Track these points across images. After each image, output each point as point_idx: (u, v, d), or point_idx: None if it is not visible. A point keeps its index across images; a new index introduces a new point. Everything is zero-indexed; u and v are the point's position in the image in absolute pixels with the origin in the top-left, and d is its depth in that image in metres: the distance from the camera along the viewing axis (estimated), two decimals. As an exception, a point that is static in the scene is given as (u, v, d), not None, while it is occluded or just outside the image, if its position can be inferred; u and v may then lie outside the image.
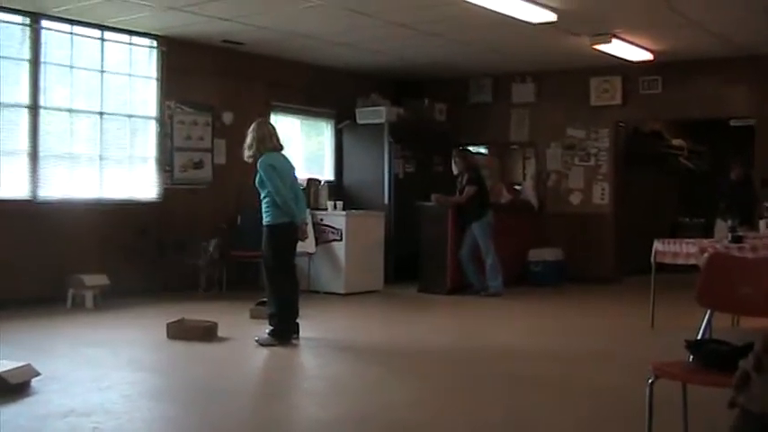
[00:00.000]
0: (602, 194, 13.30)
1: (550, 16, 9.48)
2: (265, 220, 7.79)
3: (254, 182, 7.85)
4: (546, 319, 10.05)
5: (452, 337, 8.66)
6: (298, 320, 7.98)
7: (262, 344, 7.66)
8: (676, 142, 16.22)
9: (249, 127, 8.05)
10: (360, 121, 13.37)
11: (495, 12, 9.29)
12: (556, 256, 12.90)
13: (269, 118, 12.36)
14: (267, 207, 7.76)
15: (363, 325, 9.49)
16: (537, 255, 12.83)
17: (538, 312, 10.50)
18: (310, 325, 8.50)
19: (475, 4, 9.01)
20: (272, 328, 7.76)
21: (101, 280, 9.96)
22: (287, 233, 7.82)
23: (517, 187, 14.13)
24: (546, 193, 13.73)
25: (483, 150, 14.49)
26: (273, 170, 7.73)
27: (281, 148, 8.00)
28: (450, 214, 11.65)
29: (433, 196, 11.81)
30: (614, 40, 10.78)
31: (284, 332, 7.75)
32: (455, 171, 11.75)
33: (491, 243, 11.42)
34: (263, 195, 7.80)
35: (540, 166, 13.89)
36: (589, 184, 13.40)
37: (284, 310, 7.81)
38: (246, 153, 7.92)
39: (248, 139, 7.89)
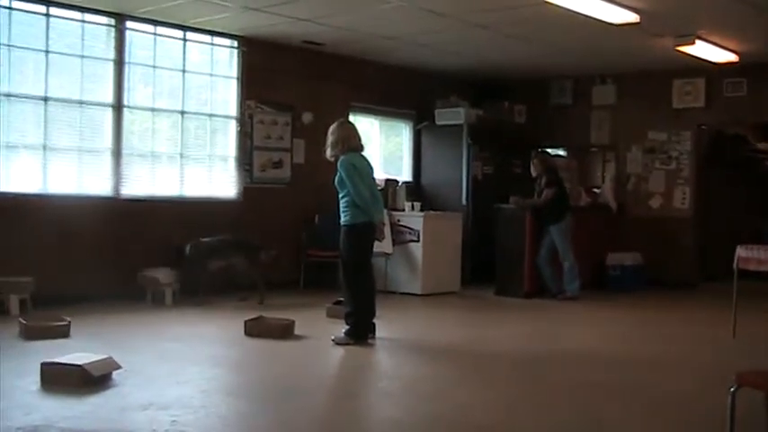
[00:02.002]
0: (683, 198, 13.09)
1: (633, 17, 9.34)
2: (344, 219, 7.81)
3: (334, 181, 7.88)
4: (623, 324, 9.88)
5: (528, 340, 8.56)
6: (374, 320, 7.99)
7: (338, 343, 7.69)
8: (762, 146, 15.86)
9: (329, 127, 8.08)
10: (439, 122, 13.35)
11: (577, 13, 9.19)
12: (635, 260, 12.71)
13: (348, 118, 12.47)
14: (346, 207, 7.78)
15: (439, 326, 9.47)
16: (615, 259, 12.66)
17: (615, 317, 10.34)
18: (386, 325, 8.50)
19: (556, 6, 8.92)
20: (348, 327, 7.79)
21: (179, 277, 10.10)
22: (365, 233, 7.84)
23: (596, 190, 13.96)
24: (625, 196, 13.55)
25: (562, 153, 14.35)
26: (354, 170, 7.76)
27: (362, 148, 8.04)
28: (529, 217, 11.57)
29: (512, 198, 11.74)
30: (698, 42, 10.57)
31: (361, 332, 7.77)
32: (534, 173, 11.66)
33: (569, 246, 11.31)
34: (341, 195, 7.82)
35: (619, 169, 13.71)
36: (670, 188, 13.19)
37: (361, 309, 7.83)
38: (329, 152, 7.96)
39: (331, 139, 7.92)
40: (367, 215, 7.76)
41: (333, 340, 7.74)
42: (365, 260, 8.00)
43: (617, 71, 13.30)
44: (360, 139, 8.05)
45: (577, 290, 11.27)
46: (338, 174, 7.80)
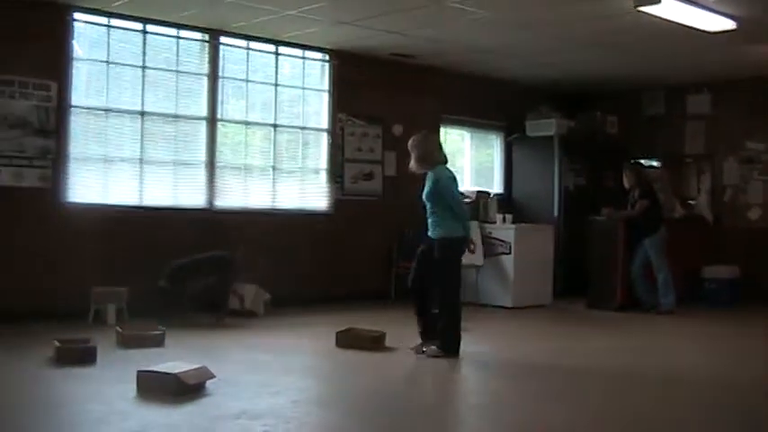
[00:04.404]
0: (782, 210, 12.74)
1: (730, 24, 9.16)
2: (439, 232, 7.71)
3: (424, 194, 7.81)
4: (720, 340, 9.59)
5: (620, 356, 8.34)
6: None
7: (430, 355, 7.66)
8: None
9: (412, 139, 7.99)
10: (530, 134, 13.27)
11: (672, 21, 9.05)
12: (732, 273, 12.37)
13: (439, 130, 12.50)
14: (440, 220, 7.70)
15: (529, 340, 9.36)
16: (711, 272, 12.36)
17: (712, 333, 10.07)
18: (477, 338, 8.45)
19: (650, 15, 8.80)
20: (441, 340, 7.73)
21: (270, 288, 10.19)
22: (461, 246, 7.79)
23: (691, 202, 13.68)
24: (722, 207, 13.25)
25: (655, 164, 14.11)
26: (454, 182, 7.79)
27: (447, 160, 7.99)
28: (622, 229, 11.40)
29: (604, 210, 11.59)
30: (799, 49, 10.32)
31: (454, 345, 7.71)
32: (626, 185, 11.49)
33: (664, 259, 11.10)
34: (433, 208, 7.75)
35: (715, 180, 13.41)
36: (769, 199, 12.86)
37: (455, 323, 7.76)
38: (416, 166, 7.88)
39: (418, 151, 7.82)
40: (464, 228, 7.74)
41: (424, 352, 7.72)
42: (459, 273, 7.94)
43: (712, 79, 13.01)
44: (444, 151, 8.02)
45: (672, 304, 11.04)
46: (430, 187, 7.74)
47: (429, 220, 7.81)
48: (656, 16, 8.85)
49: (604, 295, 11.45)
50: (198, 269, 9.47)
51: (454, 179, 7.82)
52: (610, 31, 9.95)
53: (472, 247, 7.97)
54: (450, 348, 7.68)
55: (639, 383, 6.96)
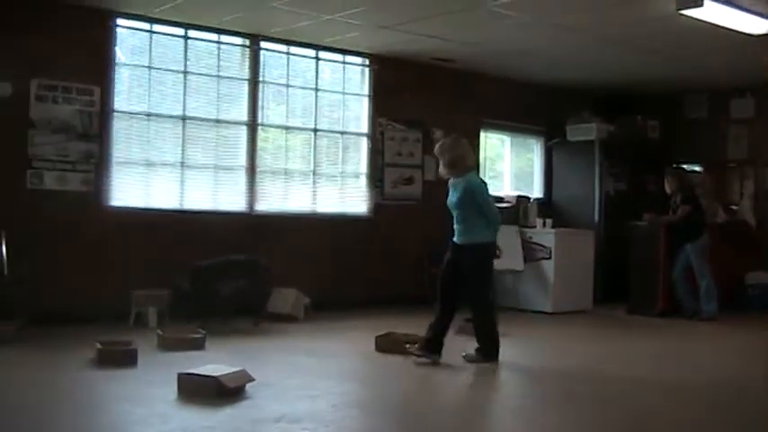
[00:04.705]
0: (828, 215, 12.57)
1: (773, 27, 9.07)
2: (471, 239, 7.61)
3: (452, 202, 7.73)
4: (764, 347, 9.49)
5: (662, 363, 8.24)
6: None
7: (469, 360, 7.64)
8: None
9: (440, 143, 7.95)
10: (570, 138, 13.21)
11: (714, 24, 8.96)
12: (776, 279, 12.26)
13: (479, 135, 12.48)
14: (472, 226, 7.61)
15: (570, 346, 9.30)
16: (755, 278, 12.22)
17: (756, 340, 9.96)
18: (517, 344, 8.42)
19: (692, 18, 8.72)
20: (479, 346, 7.69)
21: (310, 292, 10.22)
22: (492, 252, 7.73)
23: (733, 207, 13.53)
24: (765, 213, 13.09)
25: (697, 168, 13.98)
26: (486, 188, 7.74)
27: (476, 165, 7.89)
28: (663, 234, 11.30)
29: (646, 215, 11.50)
30: (843, 52, 10.18)
31: (493, 351, 7.67)
32: (668, 190, 11.39)
33: (706, 265, 10.98)
34: (464, 214, 7.66)
35: (759, 185, 13.25)
36: (814, 205, 12.69)
37: (491, 328, 7.73)
38: (446, 171, 7.79)
39: (448, 157, 7.72)
40: (494, 234, 7.68)
41: (464, 357, 7.69)
42: (491, 278, 7.90)
43: (756, 83, 12.86)
44: (473, 156, 7.93)
45: (715, 310, 10.92)
46: (461, 194, 7.64)
47: (458, 227, 7.72)
48: (698, 19, 8.76)
49: (646, 301, 11.36)
50: (225, 271, 9.35)
51: (485, 184, 7.80)
52: (652, 35, 9.87)
53: (498, 252, 7.84)
54: (489, 354, 7.64)
55: (681, 392, 6.90)
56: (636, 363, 8.15)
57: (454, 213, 7.75)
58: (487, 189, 7.79)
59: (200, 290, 9.11)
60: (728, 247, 11.91)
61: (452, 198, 7.75)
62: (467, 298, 7.72)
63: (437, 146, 7.93)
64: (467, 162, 7.77)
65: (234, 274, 9.36)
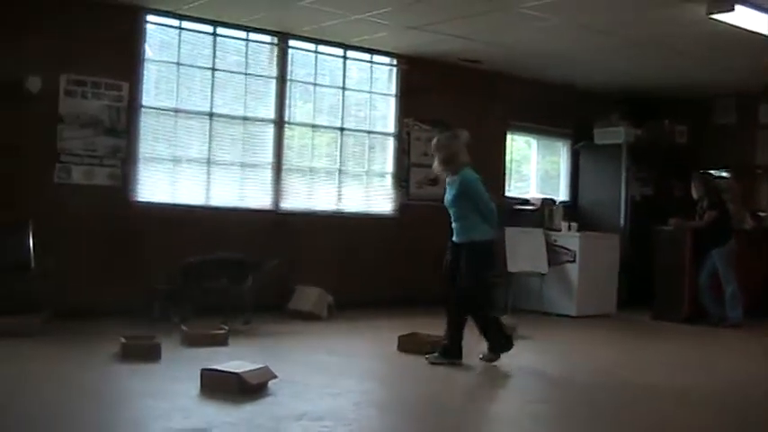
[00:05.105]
0: None
1: (804, 32, 8.99)
2: (467, 236, 7.49)
3: (448, 200, 7.63)
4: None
5: (685, 372, 8.09)
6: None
7: (487, 360, 7.60)
8: None
9: (435, 139, 7.86)
10: (597, 142, 13.16)
11: (744, 29, 8.89)
12: (803, 286, 12.15)
13: (505, 136, 12.45)
14: (469, 223, 7.48)
15: (592, 350, 9.24)
16: (782, 285, 12.14)
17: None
18: (539, 347, 8.40)
19: (721, 22, 8.66)
20: (489, 343, 7.62)
21: (334, 291, 10.23)
22: (491, 249, 7.64)
23: (761, 213, 13.42)
24: (794, 220, 12.99)
25: (725, 174, 13.88)
26: (481, 183, 7.56)
27: (470, 162, 7.70)
28: (689, 239, 11.23)
29: (672, 220, 11.42)
30: None
31: (502, 342, 7.59)
32: (695, 195, 11.31)
33: (732, 271, 10.90)
34: (460, 212, 7.53)
35: (787, 192, 13.16)
36: (843, 212, 12.56)
37: (492, 322, 7.64)
38: (440, 167, 7.67)
39: (444, 153, 7.60)
40: (492, 232, 7.55)
41: (481, 358, 7.65)
42: (488, 278, 7.82)
43: (785, 89, 12.78)
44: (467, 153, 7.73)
45: (740, 317, 10.82)
46: (456, 191, 7.52)
47: (455, 225, 7.60)
48: (728, 24, 8.70)
49: (670, 306, 11.29)
50: (215, 269, 9.17)
51: (480, 180, 7.59)
52: (681, 38, 9.82)
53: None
54: (501, 347, 7.58)
55: (700, 400, 6.81)
56: (657, 369, 8.06)
57: (451, 212, 7.64)
58: (483, 184, 7.59)
59: (189, 287, 9.01)
60: (755, 254, 11.84)
61: (448, 196, 7.64)
62: (456, 294, 7.58)
63: (432, 142, 7.84)
64: (461, 159, 7.58)
65: (223, 272, 9.22)
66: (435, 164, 7.72)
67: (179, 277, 9.06)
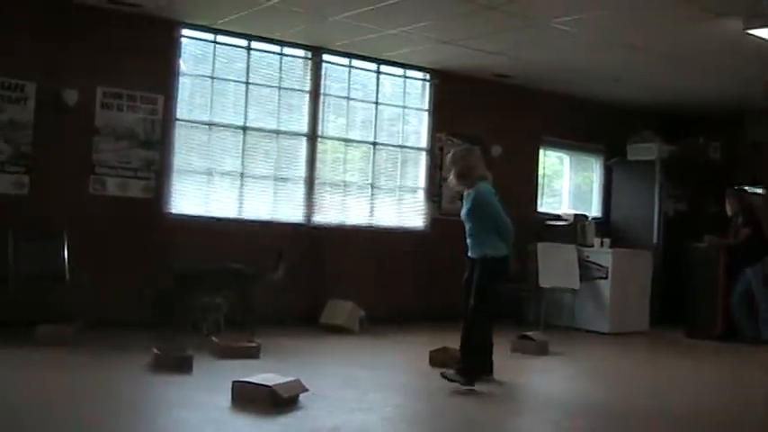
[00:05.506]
0: None
1: (842, 48, 8.91)
2: (481, 252, 7.32)
3: (463, 214, 7.49)
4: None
5: (722, 393, 7.99)
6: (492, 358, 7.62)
7: (446, 377, 7.13)
8: None
9: (451, 153, 7.73)
10: (630, 158, 13.10)
11: (780, 45, 8.85)
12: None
13: (537, 151, 12.42)
14: (484, 239, 7.32)
15: (627, 368, 9.17)
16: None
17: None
18: (573, 363, 8.34)
19: (757, 37, 8.61)
20: (463, 363, 7.22)
21: (366, 305, 10.23)
22: (504, 266, 7.37)
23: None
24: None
25: (759, 190, 13.77)
26: (495, 198, 7.39)
27: (488, 176, 7.57)
28: (723, 257, 11.15)
29: (706, 237, 11.34)
30: None
31: (472, 373, 7.15)
32: (729, 212, 11.24)
33: (766, 289, 10.80)
34: (475, 227, 7.39)
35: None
36: None
37: (480, 348, 7.34)
38: (455, 181, 7.50)
39: (459, 166, 7.42)
40: (507, 248, 7.33)
41: (442, 374, 7.20)
42: (499, 297, 7.60)
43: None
44: (485, 167, 7.60)
45: (775, 335, 10.74)
46: (471, 204, 7.39)
47: (470, 241, 7.45)
48: (764, 39, 8.64)
49: (704, 324, 11.20)
50: (209, 279, 9.00)
51: (495, 194, 7.42)
52: (716, 54, 9.75)
53: (514, 268, 7.56)
54: (467, 375, 7.15)
55: (741, 427, 6.72)
56: (694, 389, 7.97)
57: (466, 227, 7.51)
58: (498, 199, 7.43)
59: (181, 297, 8.83)
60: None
61: (463, 210, 7.52)
62: (467, 310, 7.39)
63: (449, 155, 7.72)
64: (477, 172, 7.42)
65: (218, 283, 9.05)
66: (451, 177, 7.57)
67: (172, 285, 8.84)
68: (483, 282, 7.27)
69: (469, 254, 7.49)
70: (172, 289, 8.81)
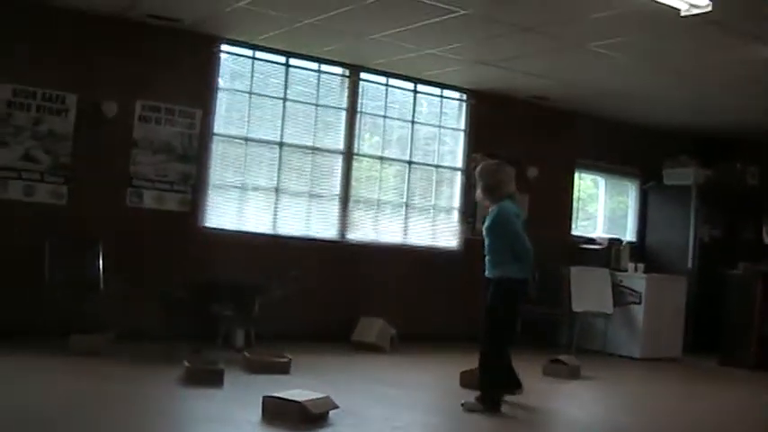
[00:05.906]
0: None
1: None
2: (497, 272, 7.09)
3: (486, 228, 7.23)
4: None
5: (755, 426, 7.80)
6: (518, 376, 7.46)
7: (468, 410, 6.99)
8: None
9: (481, 167, 7.49)
10: (666, 182, 13.02)
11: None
12: None
13: (573, 174, 12.37)
14: (500, 259, 7.11)
15: (660, 395, 9.06)
16: None
17: None
18: (606, 388, 8.28)
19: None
20: (481, 392, 7.12)
21: (397, 323, 10.22)
22: (520, 289, 7.11)
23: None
24: None
25: (798, 219, 13.65)
26: (518, 219, 7.18)
27: (516, 195, 7.43)
28: (760, 284, 11.03)
29: (741, 264, 11.24)
30: None
31: (493, 400, 7.03)
32: (766, 239, 11.13)
33: (803, 318, 10.70)
34: (492, 245, 7.16)
35: None
36: None
37: (497, 375, 7.14)
38: (483, 196, 7.29)
39: (487, 181, 7.24)
40: (525, 270, 7.08)
41: (462, 404, 7.07)
42: (513, 321, 7.35)
43: None
44: (514, 184, 7.41)
45: (811, 365, 10.61)
46: (491, 221, 7.17)
47: (487, 258, 7.22)
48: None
49: (738, 353, 11.08)
50: (221, 291, 9.03)
51: (518, 215, 7.23)
52: (753, 79, 9.67)
53: (532, 293, 7.37)
54: (486, 402, 7.03)
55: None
56: (731, 422, 7.81)
57: (485, 242, 7.26)
58: (520, 219, 7.21)
59: (194, 307, 8.84)
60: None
61: (484, 225, 7.31)
62: (482, 335, 7.22)
63: (478, 168, 7.48)
64: (505, 190, 7.21)
65: (228, 295, 9.04)
66: (478, 191, 7.37)
67: (187, 295, 8.88)
68: (495, 303, 7.09)
69: (486, 273, 7.25)
70: (188, 296, 8.85)
